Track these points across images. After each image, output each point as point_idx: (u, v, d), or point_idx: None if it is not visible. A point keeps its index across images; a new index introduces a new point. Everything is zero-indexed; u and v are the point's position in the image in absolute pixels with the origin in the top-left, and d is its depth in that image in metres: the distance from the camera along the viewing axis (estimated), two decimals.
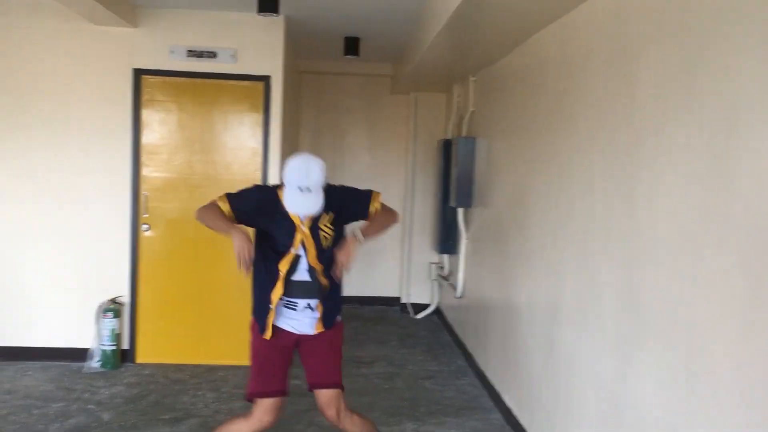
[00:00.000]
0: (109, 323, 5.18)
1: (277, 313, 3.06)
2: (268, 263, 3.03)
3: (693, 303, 2.28)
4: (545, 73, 4.00)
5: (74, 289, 5.33)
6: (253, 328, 3.13)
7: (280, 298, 3.03)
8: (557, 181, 3.67)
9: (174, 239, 5.40)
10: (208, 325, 5.42)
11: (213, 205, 3.06)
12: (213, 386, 4.91)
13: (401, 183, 7.71)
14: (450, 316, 6.78)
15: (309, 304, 3.06)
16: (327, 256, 3.05)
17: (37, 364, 5.22)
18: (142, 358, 5.38)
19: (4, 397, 4.54)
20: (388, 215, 3.22)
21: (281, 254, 3.02)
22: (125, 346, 5.35)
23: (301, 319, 3.08)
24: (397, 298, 7.79)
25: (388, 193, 7.62)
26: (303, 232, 3.01)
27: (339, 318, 3.20)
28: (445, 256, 6.93)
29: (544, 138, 3.96)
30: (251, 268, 2.96)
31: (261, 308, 3.08)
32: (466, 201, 5.88)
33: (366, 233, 3.09)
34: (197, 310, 5.44)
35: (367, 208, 3.18)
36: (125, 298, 5.35)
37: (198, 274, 5.42)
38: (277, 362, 3.09)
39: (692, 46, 2.36)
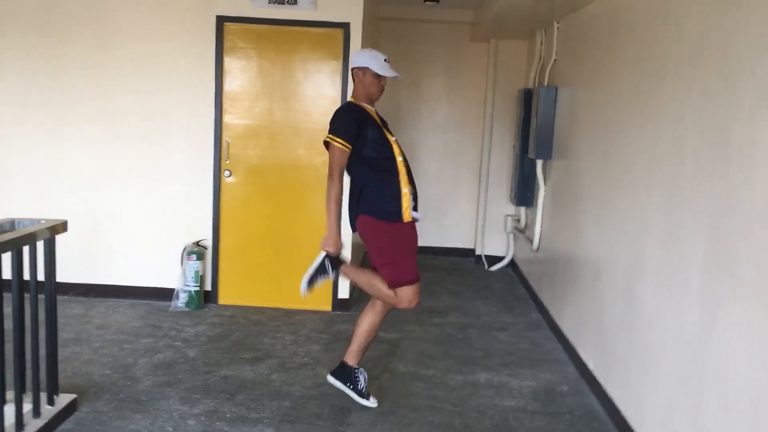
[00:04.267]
0: (193, 265, 5.38)
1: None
2: (386, 161, 3.61)
3: None
4: (634, 18, 3.81)
5: (160, 232, 5.55)
6: (381, 225, 3.61)
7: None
8: (644, 132, 3.53)
9: (255, 186, 5.52)
10: (287, 271, 5.56)
11: (335, 180, 3.57)
12: (291, 329, 5.06)
13: (479, 134, 7.60)
14: (525, 269, 6.72)
15: (414, 192, 3.70)
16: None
17: (126, 301, 5.50)
18: (224, 299, 5.59)
19: (97, 331, 4.81)
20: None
21: (390, 150, 3.62)
22: (208, 287, 5.56)
23: (414, 208, 3.69)
24: (472, 250, 7.76)
25: (465, 143, 7.61)
26: (384, 126, 3.71)
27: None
28: (522, 209, 6.84)
29: (630, 87, 3.80)
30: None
31: (391, 195, 3.60)
32: (546, 152, 5.75)
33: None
34: (276, 255, 5.58)
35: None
36: (208, 242, 5.53)
37: (277, 221, 5.54)
38: (414, 251, 3.68)
39: None
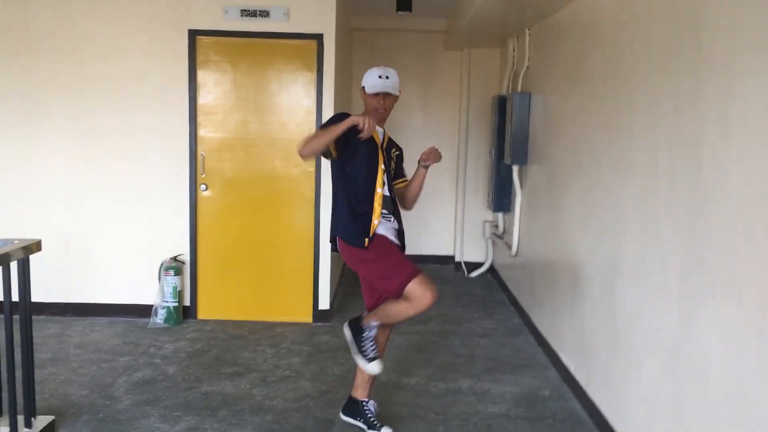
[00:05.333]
0: (172, 281, 5.33)
1: (384, 226, 3.49)
2: (366, 183, 3.46)
3: (765, 258, 2.20)
4: (605, 23, 3.86)
5: (137, 248, 5.49)
6: (353, 250, 3.45)
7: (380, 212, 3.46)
8: (617, 136, 3.57)
9: (231, 198, 5.49)
10: (266, 283, 5.53)
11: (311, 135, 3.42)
12: (272, 342, 5.02)
13: (454, 141, 7.64)
14: (504, 274, 6.75)
15: (392, 218, 3.56)
16: (390, 186, 3.56)
17: (104, 319, 5.43)
18: (203, 314, 5.54)
19: (75, 351, 4.74)
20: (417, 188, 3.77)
21: (374, 174, 3.47)
22: (187, 302, 5.51)
23: (390, 231, 3.52)
24: (452, 257, 7.79)
25: (441, 151, 7.55)
26: (381, 150, 3.51)
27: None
28: (500, 214, 6.88)
29: (603, 92, 3.85)
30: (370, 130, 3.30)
31: (362, 221, 3.43)
32: (522, 158, 5.80)
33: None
34: (255, 268, 5.55)
35: (402, 177, 3.75)
36: (186, 257, 5.48)
37: (256, 233, 5.51)
38: (395, 251, 3.48)
39: None
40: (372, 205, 3.42)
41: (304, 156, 3.38)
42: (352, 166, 3.44)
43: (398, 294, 3.33)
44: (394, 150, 3.63)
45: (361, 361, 3.46)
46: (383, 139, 3.58)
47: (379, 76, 3.48)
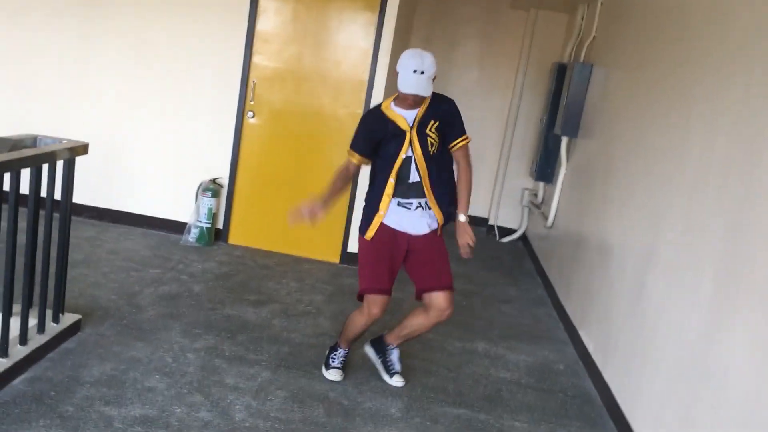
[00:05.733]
0: (208, 202, 5.40)
1: (391, 213, 3.37)
2: (382, 173, 3.34)
3: None
4: (681, 4, 3.71)
5: (178, 165, 5.56)
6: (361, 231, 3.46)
7: (396, 198, 3.34)
8: (675, 124, 3.47)
9: (276, 129, 5.49)
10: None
11: (343, 168, 3.46)
12: (297, 276, 5.09)
13: (506, 103, 7.50)
14: (536, 244, 6.70)
15: (420, 203, 3.35)
16: (433, 160, 3.31)
17: (138, 230, 5.54)
18: (234, 239, 5.62)
19: (107, 256, 4.86)
20: (467, 167, 3.44)
21: (392, 163, 3.29)
22: (220, 225, 5.59)
23: (414, 219, 3.38)
24: (485, 219, 7.74)
25: (491, 113, 7.51)
26: (412, 135, 3.26)
27: (448, 218, 3.46)
28: (541, 184, 6.78)
29: (668, 75, 3.72)
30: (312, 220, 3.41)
31: (370, 212, 3.42)
32: (573, 130, 5.68)
33: (463, 208, 3.41)
34: (291, 201, 5.48)
35: (458, 137, 3.37)
36: (224, 180, 5.54)
37: (296, 167, 5.52)
38: (384, 265, 3.39)
39: None
40: (381, 196, 3.36)
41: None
42: (381, 155, 3.35)
43: (357, 296, 3.49)
44: (432, 123, 3.28)
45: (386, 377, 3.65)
46: (414, 119, 3.28)
47: (414, 71, 3.12)
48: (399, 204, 3.35)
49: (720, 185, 2.85)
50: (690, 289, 2.97)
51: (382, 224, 3.38)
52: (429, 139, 3.29)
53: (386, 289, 3.39)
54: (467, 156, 3.42)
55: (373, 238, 3.40)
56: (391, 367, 3.64)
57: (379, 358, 3.68)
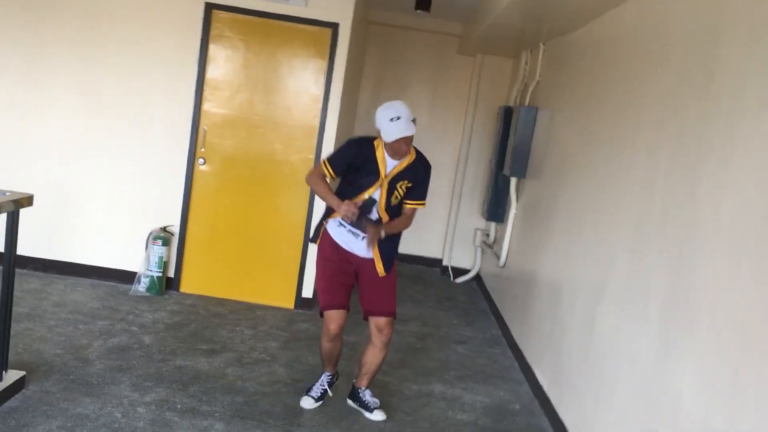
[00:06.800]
0: (158, 250, 5.31)
1: (341, 233, 3.60)
2: (346, 197, 3.54)
3: (751, 303, 2.21)
4: (619, 50, 3.87)
5: (127, 213, 5.47)
6: (318, 249, 3.71)
7: (345, 224, 3.55)
8: (617, 162, 3.58)
9: (228, 176, 5.48)
10: (252, 264, 5.53)
11: (319, 173, 3.58)
12: (251, 324, 5.02)
13: (456, 146, 7.64)
14: (489, 283, 6.77)
15: (356, 232, 3.58)
16: (391, 210, 3.59)
17: (86, 281, 5.41)
18: (186, 287, 5.53)
19: (53, 309, 4.73)
20: (409, 220, 3.71)
21: (358, 194, 3.52)
22: (171, 273, 5.49)
23: (361, 245, 3.58)
24: (439, 260, 7.79)
25: (443, 154, 7.62)
26: (383, 183, 3.50)
27: (395, 262, 3.74)
28: (492, 224, 6.88)
29: (609, 117, 3.86)
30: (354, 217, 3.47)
31: (321, 220, 3.70)
32: (521, 171, 5.81)
33: (387, 231, 3.56)
34: (243, 248, 5.54)
35: (417, 199, 3.68)
36: (175, 228, 5.47)
37: (248, 213, 5.50)
38: (337, 281, 3.61)
39: None
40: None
41: (308, 184, 3.69)
42: (350, 181, 3.58)
43: (320, 313, 3.66)
44: (403, 182, 3.55)
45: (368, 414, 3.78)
46: (392, 170, 3.53)
47: (391, 119, 3.30)
48: (349, 231, 3.57)
49: (661, 220, 2.95)
50: (638, 320, 3.03)
51: (334, 243, 3.62)
52: (396, 192, 3.57)
53: (342, 304, 3.59)
54: (413, 216, 3.71)
55: (326, 257, 3.64)
56: (368, 406, 3.77)
57: (356, 403, 3.81)
